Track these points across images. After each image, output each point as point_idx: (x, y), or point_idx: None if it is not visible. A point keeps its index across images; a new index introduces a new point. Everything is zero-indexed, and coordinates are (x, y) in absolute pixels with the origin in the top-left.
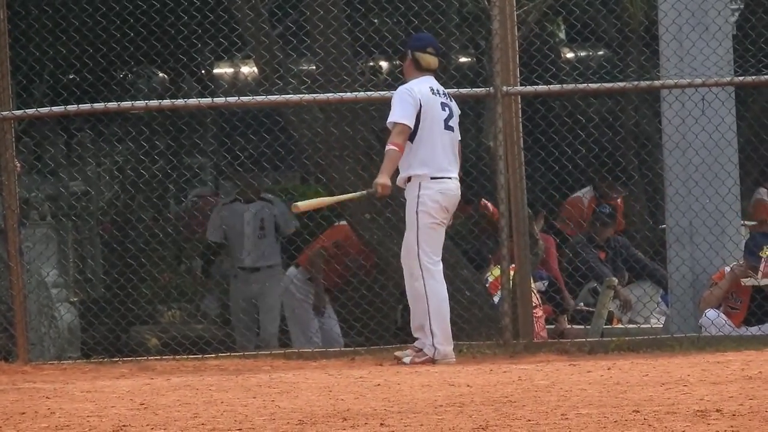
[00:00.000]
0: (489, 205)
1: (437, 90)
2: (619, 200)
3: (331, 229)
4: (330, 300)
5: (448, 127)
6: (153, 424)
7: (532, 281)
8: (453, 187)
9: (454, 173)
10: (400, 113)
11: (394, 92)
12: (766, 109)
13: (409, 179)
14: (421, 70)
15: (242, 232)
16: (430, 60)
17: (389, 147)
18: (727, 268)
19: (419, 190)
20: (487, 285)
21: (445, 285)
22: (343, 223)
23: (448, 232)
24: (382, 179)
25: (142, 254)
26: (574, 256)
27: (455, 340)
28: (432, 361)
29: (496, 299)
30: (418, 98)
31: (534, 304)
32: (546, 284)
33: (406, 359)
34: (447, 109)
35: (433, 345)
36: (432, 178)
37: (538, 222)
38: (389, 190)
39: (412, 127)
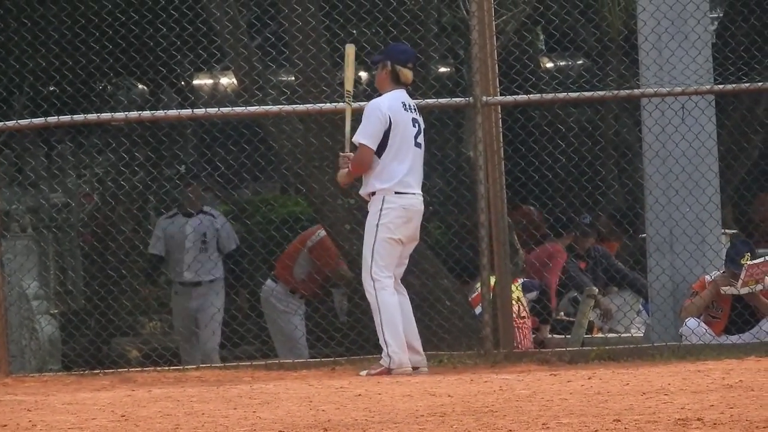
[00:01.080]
0: (533, 211)
1: (409, 105)
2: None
3: (303, 233)
4: (310, 309)
5: (417, 144)
6: None
7: (521, 292)
8: (416, 202)
9: (419, 189)
10: (365, 133)
11: (367, 104)
12: (746, 118)
13: (373, 193)
14: (398, 83)
15: (183, 245)
16: (408, 75)
17: (346, 169)
18: (708, 277)
19: (382, 204)
20: (470, 298)
21: (398, 295)
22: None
23: (429, 242)
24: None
25: (123, 266)
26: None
27: (435, 350)
28: (388, 371)
29: (477, 311)
30: (388, 115)
31: (522, 315)
32: (536, 295)
33: (362, 372)
34: (417, 125)
35: (388, 355)
36: (396, 193)
37: (564, 241)
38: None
39: (375, 148)
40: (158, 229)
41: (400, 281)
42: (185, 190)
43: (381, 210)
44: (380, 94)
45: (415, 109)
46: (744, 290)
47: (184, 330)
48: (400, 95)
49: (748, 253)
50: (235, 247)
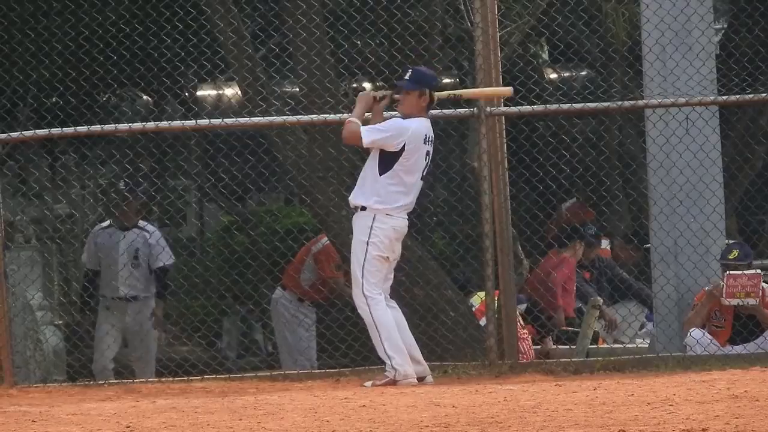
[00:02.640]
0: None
1: (429, 138)
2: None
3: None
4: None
5: (423, 177)
6: None
7: None
8: (403, 225)
9: (406, 214)
10: (374, 129)
11: (394, 119)
12: (750, 128)
13: (363, 208)
14: (427, 110)
15: (116, 260)
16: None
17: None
18: (708, 287)
19: (373, 222)
20: (473, 309)
21: (392, 308)
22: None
23: (433, 252)
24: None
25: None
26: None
27: (440, 361)
28: (393, 383)
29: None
30: (404, 142)
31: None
32: (524, 307)
33: (367, 383)
34: (428, 158)
35: (393, 367)
36: (387, 215)
37: (577, 252)
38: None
39: (370, 146)
40: (91, 242)
41: (389, 296)
42: (121, 204)
43: (371, 228)
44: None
45: (431, 142)
46: (734, 302)
47: (105, 344)
48: (425, 126)
49: (737, 251)
50: (167, 264)
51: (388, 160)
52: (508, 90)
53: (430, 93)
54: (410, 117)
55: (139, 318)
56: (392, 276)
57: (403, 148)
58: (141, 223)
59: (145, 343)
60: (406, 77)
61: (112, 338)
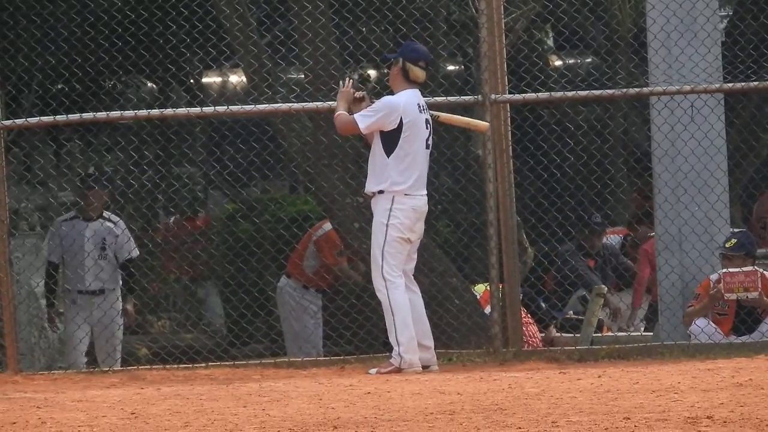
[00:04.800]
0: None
1: (423, 107)
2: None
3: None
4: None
5: (427, 146)
6: None
7: None
8: (423, 203)
9: (425, 190)
10: (366, 116)
11: (381, 99)
12: (755, 116)
13: (381, 192)
14: (408, 81)
15: (83, 251)
16: (419, 73)
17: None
18: (714, 276)
19: (392, 204)
20: (477, 298)
21: (410, 293)
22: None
23: (438, 240)
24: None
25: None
26: (563, 264)
27: (445, 349)
28: (398, 371)
29: (487, 310)
30: (400, 117)
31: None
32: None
33: (372, 370)
34: (428, 126)
35: (399, 354)
36: (406, 195)
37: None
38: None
39: (363, 132)
40: (55, 235)
41: (412, 277)
42: (87, 194)
43: (390, 210)
44: (391, 92)
45: (427, 110)
46: (733, 296)
47: (77, 339)
48: (414, 96)
49: (734, 239)
50: (133, 256)
51: (391, 140)
52: (485, 125)
53: (404, 62)
54: (397, 92)
55: (106, 310)
56: (416, 256)
57: (401, 123)
58: (106, 214)
59: (112, 335)
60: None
61: (83, 332)
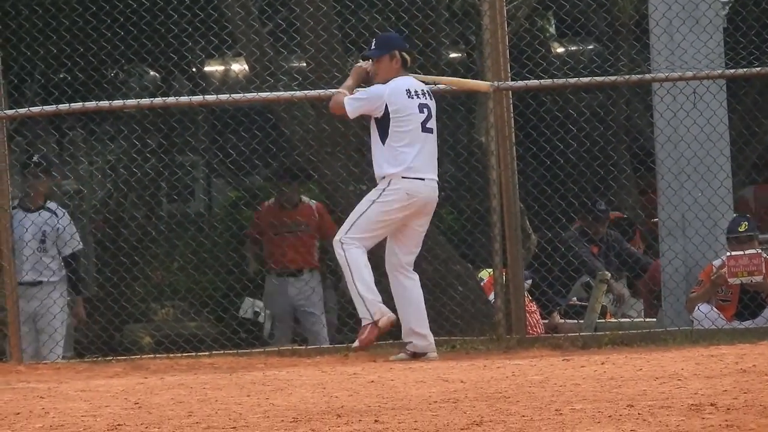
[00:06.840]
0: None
1: (415, 92)
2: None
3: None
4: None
5: (426, 130)
6: (147, 422)
7: None
8: (422, 187)
9: (432, 174)
10: (355, 97)
11: (372, 86)
12: (758, 102)
13: (383, 177)
14: (406, 68)
15: (21, 242)
16: (408, 57)
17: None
18: (717, 261)
19: (387, 186)
20: (481, 284)
21: (408, 280)
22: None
23: (441, 227)
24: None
25: (135, 252)
26: (566, 250)
27: (448, 336)
28: (375, 325)
29: (491, 298)
30: (385, 103)
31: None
32: (530, 282)
33: (354, 344)
34: (425, 110)
35: (367, 309)
36: (403, 177)
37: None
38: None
39: (350, 115)
40: None
41: (411, 268)
42: (34, 182)
43: (384, 191)
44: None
45: (423, 94)
46: (737, 281)
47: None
48: (403, 83)
49: (746, 222)
50: (76, 249)
51: (383, 126)
52: (487, 85)
53: (401, 53)
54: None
55: (47, 303)
56: (417, 249)
57: (387, 110)
58: (50, 204)
59: (54, 330)
60: (372, 47)
61: (27, 327)
